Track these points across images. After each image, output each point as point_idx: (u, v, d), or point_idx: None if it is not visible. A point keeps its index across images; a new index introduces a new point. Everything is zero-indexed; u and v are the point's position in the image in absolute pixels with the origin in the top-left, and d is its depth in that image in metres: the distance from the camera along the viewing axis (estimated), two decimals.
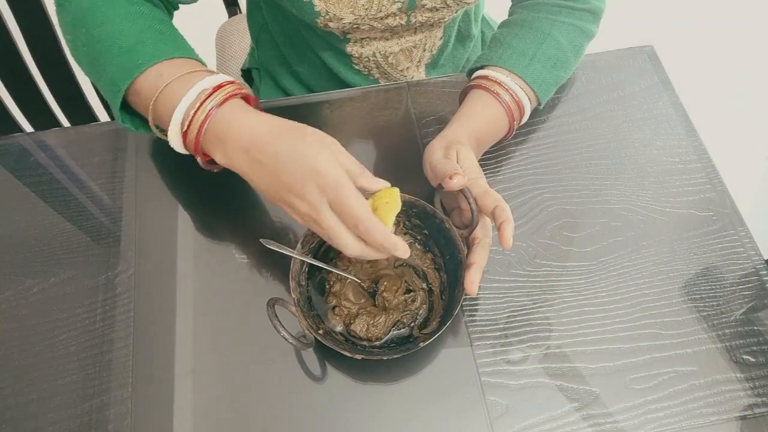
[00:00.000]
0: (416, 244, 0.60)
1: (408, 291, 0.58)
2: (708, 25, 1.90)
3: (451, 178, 0.52)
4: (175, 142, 0.54)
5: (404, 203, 0.59)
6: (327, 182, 0.46)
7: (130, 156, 0.67)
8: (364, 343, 0.55)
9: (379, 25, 0.69)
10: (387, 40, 0.74)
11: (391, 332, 0.56)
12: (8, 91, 0.87)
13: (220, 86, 0.52)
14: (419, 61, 0.80)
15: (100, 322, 0.57)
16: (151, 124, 0.55)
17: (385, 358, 0.53)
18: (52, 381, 0.54)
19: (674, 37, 1.73)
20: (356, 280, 0.58)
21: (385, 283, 0.57)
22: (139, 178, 0.66)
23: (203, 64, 0.57)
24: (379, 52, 0.75)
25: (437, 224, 0.57)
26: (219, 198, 0.64)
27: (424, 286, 0.59)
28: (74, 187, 0.65)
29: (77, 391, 0.54)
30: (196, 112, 0.51)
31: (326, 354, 0.56)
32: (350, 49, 0.75)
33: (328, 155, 0.47)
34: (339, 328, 0.56)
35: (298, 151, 0.48)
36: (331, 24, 0.67)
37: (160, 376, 0.55)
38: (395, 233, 0.59)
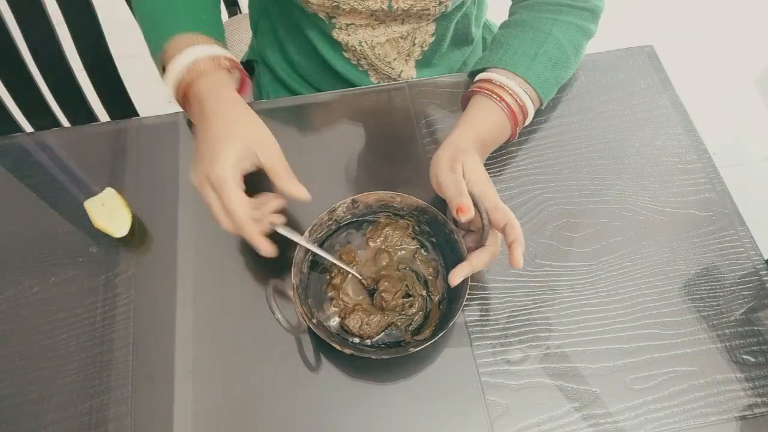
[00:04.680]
0: (422, 250, 0.60)
1: (407, 295, 0.58)
2: (708, 25, 1.90)
3: (458, 213, 0.53)
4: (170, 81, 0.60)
5: (416, 209, 0.59)
6: (214, 175, 0.53)
7: (130, 156, 0.67)
8: (356, 339, 0.55)
9: (361, 7, 0.68)
10: (373, 29, 0.74)
11: (383, 333, 0.56)
12: (8, 91, 0.87)
13: (231, 60, 0.61)
14: (408, 56, 0.79)
15: (100, 322, 0.57)
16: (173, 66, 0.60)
17: (373, 357, 0.53)
18: (52, 381, 0.54)
19: (674, 37, 1.73)
20: (358, 276, 0.58)
21: (386, 284, 0.57)
22: (139, 178, 0.66)
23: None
24: (366, 42, 0.75)
25: (446, 234, 0.57)
26: None
27: (424, 293, 0.58)
28: (74, 187, 0.65)
29: (77, 391, 0.54)
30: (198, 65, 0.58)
31: (327, 354, 0.56)
32: (337, 35, 0.74)
33: (237, 149, 0.53)
34: (334, 321, 0.56)
35: (218, 133, 0.54)
36: (312, 2, 0.67)
37: (160, 376, 0.55)
38: (404, 237, 0.59)
